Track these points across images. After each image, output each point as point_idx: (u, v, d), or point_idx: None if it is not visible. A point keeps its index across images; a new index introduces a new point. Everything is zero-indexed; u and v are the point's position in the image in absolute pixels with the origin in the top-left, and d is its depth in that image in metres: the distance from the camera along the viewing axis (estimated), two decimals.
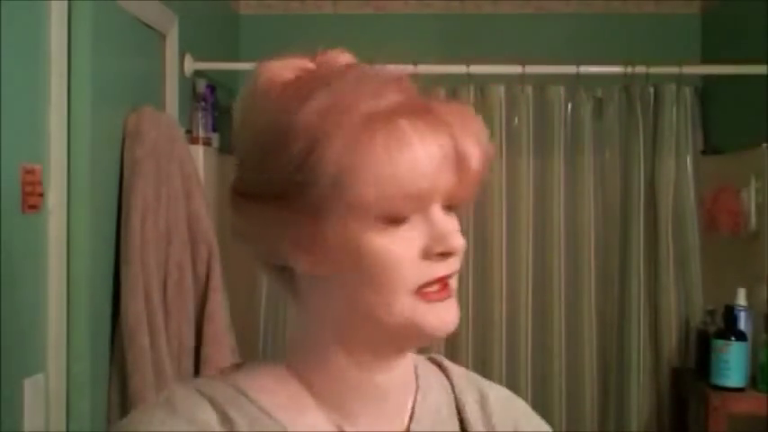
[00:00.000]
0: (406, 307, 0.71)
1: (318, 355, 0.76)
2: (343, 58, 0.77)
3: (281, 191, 0.70)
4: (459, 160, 0.71)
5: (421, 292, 0.71)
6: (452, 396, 0.84)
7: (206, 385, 0.76)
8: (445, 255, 0.72)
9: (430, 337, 0.74)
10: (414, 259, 0.71)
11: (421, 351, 0.84)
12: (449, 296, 0.73)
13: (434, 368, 0.86)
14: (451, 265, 0.73)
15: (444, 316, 0.73)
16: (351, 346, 0.75)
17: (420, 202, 0.71)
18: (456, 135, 0.71)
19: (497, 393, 0.87)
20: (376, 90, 0.71)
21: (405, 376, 0.80)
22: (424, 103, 0.73)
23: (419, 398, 0.81)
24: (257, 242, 0.75)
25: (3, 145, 1.48)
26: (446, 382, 0.85)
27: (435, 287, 0.72)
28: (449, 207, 0.74)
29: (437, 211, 0.72)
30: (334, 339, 0.75)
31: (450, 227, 0.72)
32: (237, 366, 0.81)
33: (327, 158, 0.68)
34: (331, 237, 0.70)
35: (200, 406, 0.73)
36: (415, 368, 0.83)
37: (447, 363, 0.88)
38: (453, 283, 0.74)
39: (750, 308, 2.49)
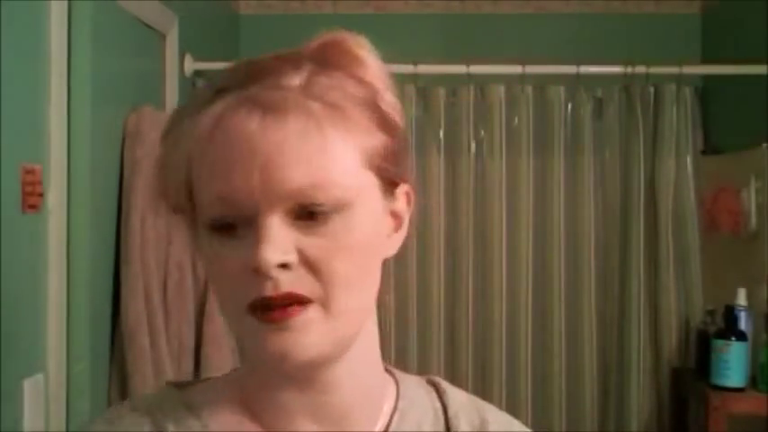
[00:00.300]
0: (242, 326, 0.64)
1: (247, 370, 0.73)
2: (339, 40, 0.69)
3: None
4: (274, 166, 0.61)
5: (257, 311, 0.63)
6: (443, 419, 0.76)
7: (155, 398, 0.74)
8: (257, 270, 0.61)
9: (273, 364, 0.65)
10: (240, 273, 0.63)
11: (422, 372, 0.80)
12: (280, 319, 0.62)
13: (429, 389, 0.78)
14: (278, 286, 0.62)
15: (277, 343, 0.63)
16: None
17: (232, 208, 0.62)
18: (289, 138, 0.62)
19: (498, 418, 0.79)
20: (226, 82, 0.66)
21: (364, 396, 0.71)
22: (270, 98, 0.63)
23: (395, 419, 0.73)
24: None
25: (3, 145, 1.48)
26: (438, 404, 0.77)
27: (272, 307, 0.62)
28: (322, 212, 0.63)
29: (265, 221, 0.62)
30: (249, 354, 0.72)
31: (258, 242, 0.61)
32: (215, 377, 0.78)
33: (170, 154, 0.68)
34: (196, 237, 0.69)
35: (138, 421, 0.71)
36: (398, 388, 0.75)
37: (445, 385, 0.79)
38: (312, 309, 0.63)
39: (750, 308, 2.49)
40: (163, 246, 1.99)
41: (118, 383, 1.88)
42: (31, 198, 1.58)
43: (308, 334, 0.63)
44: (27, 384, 1.57)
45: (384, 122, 0.67)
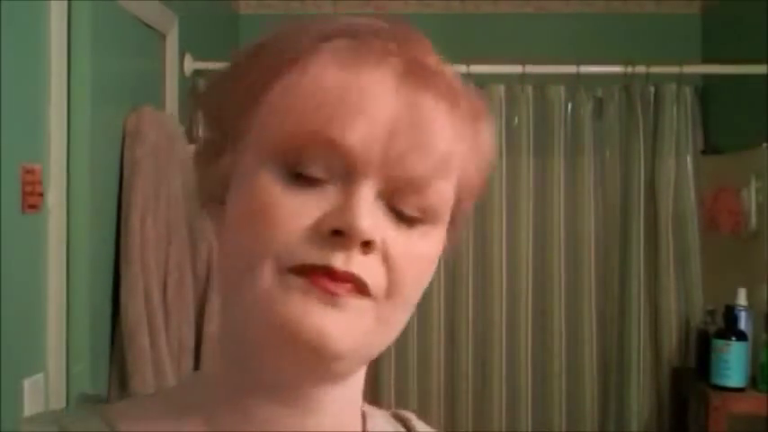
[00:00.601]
0: (267, 281, 0.53)
1: (217, 377, 0.60)
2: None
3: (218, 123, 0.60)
4: (405, 140, 0.53)
5: (298, 273, 0.53)
6: None
7: (69, 418, 0.61)
8: (338, 235, 0.52)
9: (291, 340, 0.52)
10: (304, 229, 0.53)
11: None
12: (334, 292, 0.52)
13: (396, 425, 0.69)
14: (349, 261, 0.52)
15: (320, 318, 0.52)
16: (242, 362, 0.58)
17: (334, 158, 0.53)
18: (435, 121, 0.54)
19: None
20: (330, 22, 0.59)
21: (343, 426, 0.61)
22: (426, 71, 0.56)
23: None
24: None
25: (3, 145, 1.48)
26: None
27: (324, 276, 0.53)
28: (414, 217, 0.55)
29: (361, 190, 0.53)
30: (228, 350, 0.59)
31: (355, 205, 0.52)
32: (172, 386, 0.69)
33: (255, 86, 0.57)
34: (233, 169, 0.57)
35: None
36: (364, 423, 0.65)
37: (416, 421, 0.70)
38: (367, 301, 0.54)
39: (750, 308, 2.49)
40: (163, 246, 1.99)
41: (118, 383, 1.88)
42: (31, 198, 1.58)
43: (356, 323, 0.53)
44: (27, 384, 1.57)
45: (483, 167, 0.60)
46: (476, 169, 0.59)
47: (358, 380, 0.61)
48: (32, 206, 1.59)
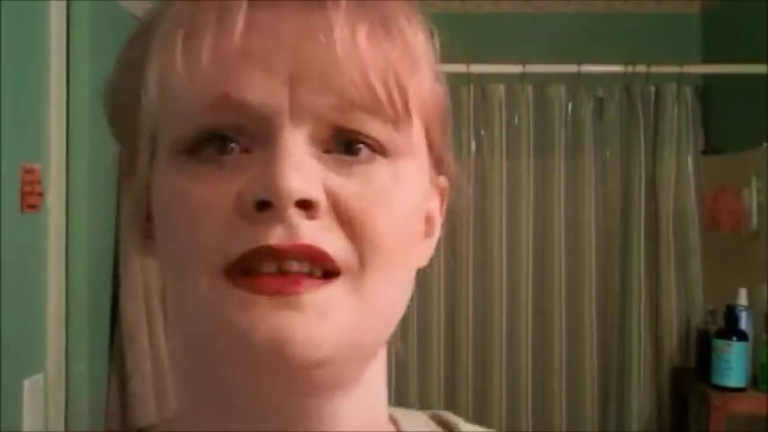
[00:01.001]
0: (203, 293, 0.42)
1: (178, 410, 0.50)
2: None
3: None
4: (311, 70, 0.42)
5: (239, 275, 0.42)
6: None
7: None
8: (266, 207, 0.41)
9: (259, 361, 0.42)
10: (227, 213, 0.42)
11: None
12: (280, 292, 0.41)
13: (438, 428, 0.57)
14: (294, 234, 0.41)
15: (272, 324, 0.41)
16: (211, 392, 0.47)
17: (240, 116, 0.43)
18: (334, 37, 0.43)
19: None
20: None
21: None
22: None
23: None
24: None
25: (3, 145, 1.48)
26: None
27: (267, 267, 0.41)
28: (365, 146, 0.44)
29: (280, 143, 0.42)
30: (192, 381, 0.48)
31: (274, 163, 0.41)
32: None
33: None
34: (146, 183, 0.48)
35: None
36: (396, 426, 0.54)
37: (463, 427, 0.56)
38: (337, 284, 0.43)
39: (751, 308, 2.49)
40: None
41: (117, 383, 1.88)
42: (31, 198, 1.58)
43: (326, 318, 0.42)
44: (27, 384, 1.57)
45: (440, 75, 0.52)
46: (421, 82, 0.49)
47: (372, 380, 0.49)
48: (32, 206, 1.59)
